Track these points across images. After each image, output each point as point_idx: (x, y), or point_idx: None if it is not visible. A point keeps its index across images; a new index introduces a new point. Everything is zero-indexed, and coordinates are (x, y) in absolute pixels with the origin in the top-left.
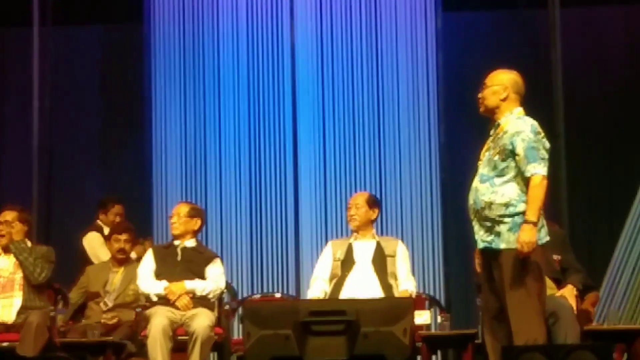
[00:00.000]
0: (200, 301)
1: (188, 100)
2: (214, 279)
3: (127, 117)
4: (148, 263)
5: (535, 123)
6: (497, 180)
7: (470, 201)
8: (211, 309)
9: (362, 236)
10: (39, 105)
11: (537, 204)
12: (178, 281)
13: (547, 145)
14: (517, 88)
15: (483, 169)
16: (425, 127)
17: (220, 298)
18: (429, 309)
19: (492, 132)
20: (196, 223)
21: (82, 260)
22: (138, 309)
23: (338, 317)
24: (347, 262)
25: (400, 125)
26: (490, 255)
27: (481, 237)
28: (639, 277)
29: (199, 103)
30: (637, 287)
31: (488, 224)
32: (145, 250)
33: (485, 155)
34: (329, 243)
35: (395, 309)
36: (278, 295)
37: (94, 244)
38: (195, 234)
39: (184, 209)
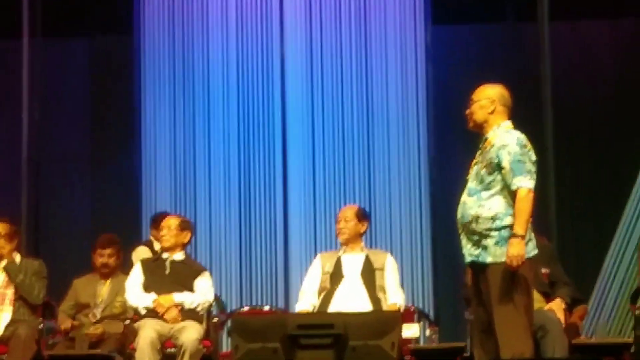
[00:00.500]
0: (188, 314)
1: (177, 111)
2: (202, 291)
3: (116, 128)
4: (136, 276)
5: (521, 136)
6: (484, 194)
7: (459, 215)
8: (200, 321)
9: (351, 249)
10: (28, 116)
11: (524, 217)
12: (167, 294)
13: (534, 158)
14: (504, 101)
15: (471, 182)
16: (414, 140)
17: (208, 311)
18: (418, 322)
19: (480, 145)
20: (186, 236)
21: None
22: (126, 322)
23: (326, 330)
24: (335, 276)
25: (390, 138)
26: (478, 269)
27: (469, 251)
28: (628, 291)
29: (189, 114)
30: (625, 301)
31: (475, 237)
32: None
33: (473, 168)
34: (318, 256)
35: (383, 322)
36: (267, 308)
37: (140, 258)
38: (184, 246)
39: (174, 221)
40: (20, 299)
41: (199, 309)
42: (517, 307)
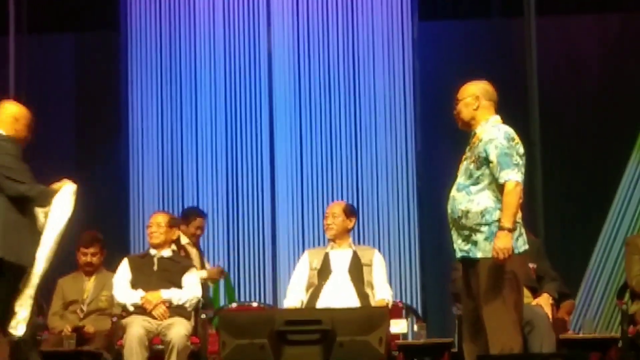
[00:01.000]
0: (176, 310)
1: (165, 107)
2: (190, 288)
3: (103, 124)
4: (124, 273)
5: (509, 130)
6: (473, 189)
7: (449, 210)
8: (188, 318)
9: (338, 245)
10: None
11: (511, 210)
12: (154, 291)
13: (521, 151)
14: (489, 95)
15: (460, 177)
16: (401, 135)
17: (196, 307)
18: (406, 317)
19: (470, 141)
20: (175, 233)
21: None
22: (114, 318)
23: (314, 326)
24: (323, 272)
25: (377, 133)
26: (468, 264)
27: (459, 247)
28: (615, 286)
29: (176, 111)
30: (612, 296)
31: (465, 232)
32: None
33: (463, 164)
34: (306, 252)
35: (370, 318)
36: (255, 304)
37: None
38: (172, 243)
39: (164, 218)
40: None
41: (187, 305)
42: (506, 302)
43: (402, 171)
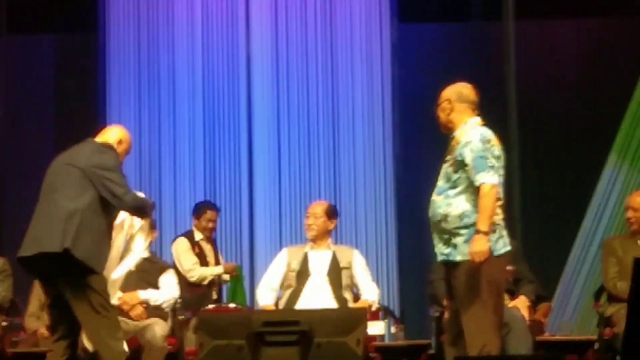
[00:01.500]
0: (154, 311)
1: (142, 110)
2: (167, 288)
3: (82, 126)
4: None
5: (485, 132)
6: (451, 192)
7: (430, 214)
8: (165, 319)
9: (318, 246)
10: None
11: (487, 213)
12: (132, 291)
13: (497, 153)
14: (463, 98)
15: (440, 181)
16: (380, 138)
17: (174, 308)
18: (383, 319)
19: (449, 144)
20: (153, 235)
21: (174, 267)
22: None
23: (291, 327)
24: (302, 274)
25: (355, 136)
26: (450, 267)
27: (440, 250)
28: (591, 288)
29: (154, 113)
30: (589, 298)
31: (445, 236)
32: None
33: (443, 167)
34: (285, 250)
35: (348, 319)
36: (232, 305)
37: (179, 249)
38: (149, 244)
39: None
40: None
41: (164, 305)
42: (485, 304)
43: (380, 174)
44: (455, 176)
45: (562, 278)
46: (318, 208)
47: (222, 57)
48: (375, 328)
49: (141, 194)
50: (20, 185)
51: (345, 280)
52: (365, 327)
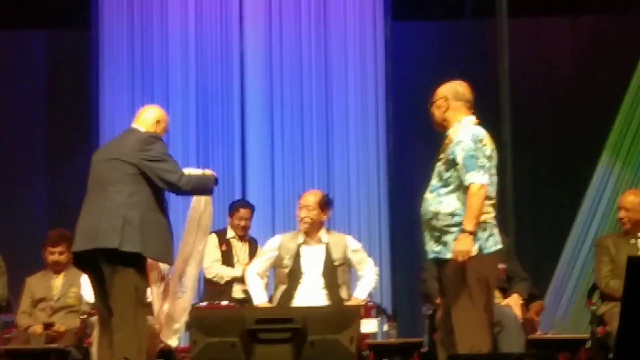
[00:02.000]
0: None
1: (136, 106)
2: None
3: (73, 122)
4: None
5: (477, 132)
6: (442, 190)
7: (421, 212)
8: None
9: (311, 238)
10: None
11: (473, 213)
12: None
13: (488, 152)
14: (459, 96)
15: (433, 179)
16: (373, 135)
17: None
18: (376, 317)
19: (443, 142)
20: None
21: None
22: (83, 316)
23: (285, 324)
24: (295, 272)
25: (349, 134)
26: (440, 265)
27: (431, 248)
28: (584, 286)
29: None
30: (581, 296)
31: (436, 234)
32: None
33: (436, 165)
34: (278, 238)
35: (342, 317)
36: (225, 302)
37: (207, 246)
38: None
39: None
40: None
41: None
42: (474, 302)
43: (373, 171)
44: (447, 175)
45: (554, 276)
46: (311, 199)
47: (216, 53)
48: (368, 326)
49: (196, 171)
50: (12, 184)
51: (340, 278)
52: (359, 325)
